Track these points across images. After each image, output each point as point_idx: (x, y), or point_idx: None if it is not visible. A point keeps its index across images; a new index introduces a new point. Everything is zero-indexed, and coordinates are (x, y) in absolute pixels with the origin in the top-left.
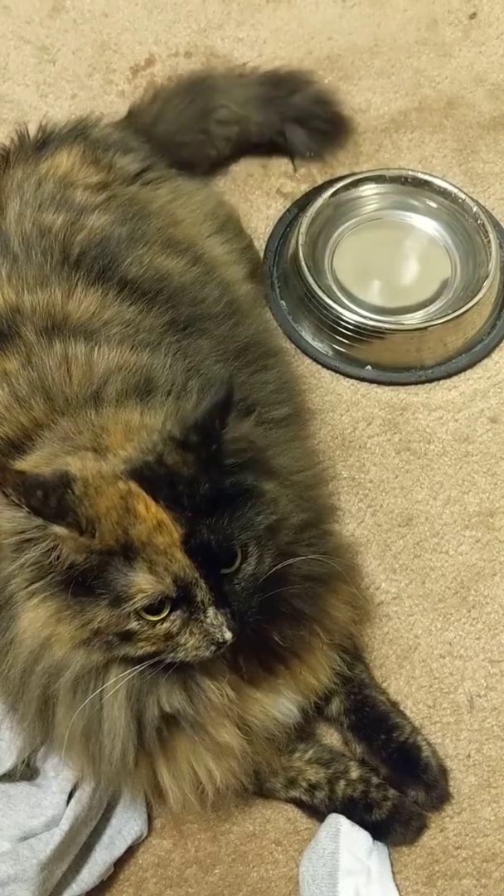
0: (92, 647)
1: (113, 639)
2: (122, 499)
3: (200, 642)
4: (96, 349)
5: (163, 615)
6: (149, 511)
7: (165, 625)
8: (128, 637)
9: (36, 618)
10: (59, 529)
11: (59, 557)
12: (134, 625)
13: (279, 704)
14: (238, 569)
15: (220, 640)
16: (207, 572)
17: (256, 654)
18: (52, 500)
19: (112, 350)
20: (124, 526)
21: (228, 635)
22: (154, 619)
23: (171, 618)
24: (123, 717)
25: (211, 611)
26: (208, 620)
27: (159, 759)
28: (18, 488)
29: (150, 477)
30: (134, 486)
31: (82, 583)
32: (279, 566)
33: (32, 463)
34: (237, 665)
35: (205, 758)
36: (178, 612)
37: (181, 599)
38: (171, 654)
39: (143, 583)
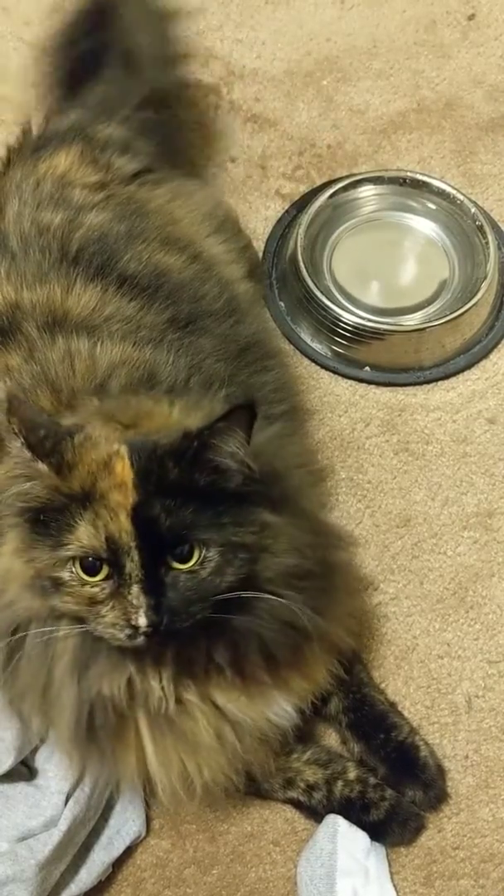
0: (34, 590)
1: (47, 584)
2: (108, 456)
3: (117, 619)
4: (99, 344)
5: (95, 578)
6: (122, 471)
7: (94, 589)
8: (57, 586)
9: (5, 550)
10: (41, 466)
11: (34, 493)
12: (65, 574)
13: (273, 707)
14: (190, 568)
15: (135, 625)
16: (147, 550)
17: (235, 661)
18: (48, 441)
19: (115, 345)
20: (95, 477)
21: (143, 621)
22: (86, 578)
23: (102, 585)
24: (69, 684)
25: (136, 588)
26: (130, 597)
27: (148, 746)
28: (25, 422)
29: (139, 446)
30: (124, 449)
31: (43, 521)
32: (245, 594)
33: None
34: (194, 670)
35: (190, 752)
36: (110, 582)
37: (115, 569)
38: (93, 624)
39: (81, 533)
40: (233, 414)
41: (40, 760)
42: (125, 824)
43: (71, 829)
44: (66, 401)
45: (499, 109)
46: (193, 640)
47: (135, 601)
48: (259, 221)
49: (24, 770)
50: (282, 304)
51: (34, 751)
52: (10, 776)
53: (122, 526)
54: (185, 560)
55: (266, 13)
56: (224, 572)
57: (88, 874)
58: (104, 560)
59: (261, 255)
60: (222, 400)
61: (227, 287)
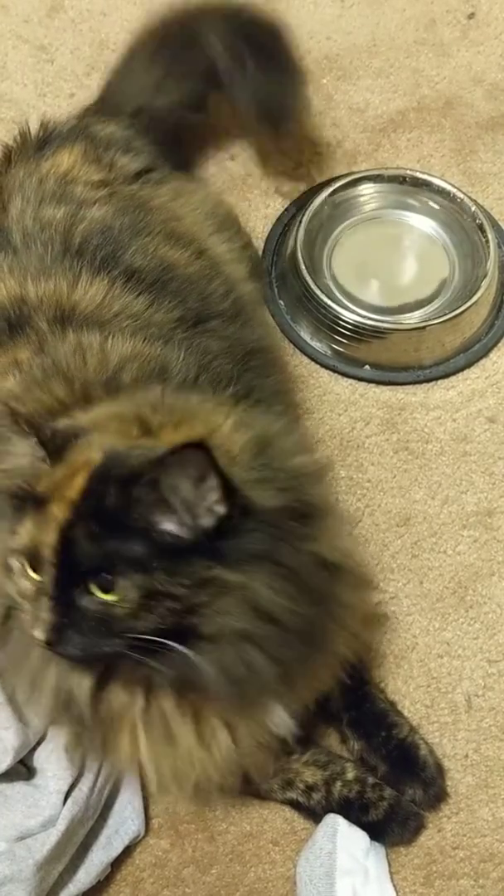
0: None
1: (3, 567)
2: (81, 464)
3: (29, 623)
4: (110, 338)
5: (35, 576)
6: (76, 484)
7: (27, 583)
8: (6, 572)
9: None
10: (36, 450)
11: (13, 478)
12: (14, 562)
13: (271, 715)
14: (105, 600)
15: (31, 633)
16: (64, 570)
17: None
18: (57, 439)
19: (126, 340)
20: (61, 483)
21: (39, 635)
22: (28, 573)
23: (36, 584)
24: (46, 670)
25: (44, 601)
26: (38, 607)
27: (141, 735)
28: (32, 422)
29: (112, 461)
30: (97, 458)
31: (12, 506)
32: (166, 643)
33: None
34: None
35: (179, 752)
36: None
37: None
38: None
39: (24, 531)
40: (185, 451)
41: (39, 760)
42: (124, 824)
43: (69, 829)
44: (80, 393)
45: (499, 108)
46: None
47: (37, 612)
48: (259, 219)
49: (22, 769)
50: (281, 302)
51: (33, 750)
52: (9, 775)
53: (48, 539)
54: (105, 590)
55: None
56: (142, 617)
57: (87, 874)
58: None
59: (260, 253)
60: (228, 409)
61: (233, 287)
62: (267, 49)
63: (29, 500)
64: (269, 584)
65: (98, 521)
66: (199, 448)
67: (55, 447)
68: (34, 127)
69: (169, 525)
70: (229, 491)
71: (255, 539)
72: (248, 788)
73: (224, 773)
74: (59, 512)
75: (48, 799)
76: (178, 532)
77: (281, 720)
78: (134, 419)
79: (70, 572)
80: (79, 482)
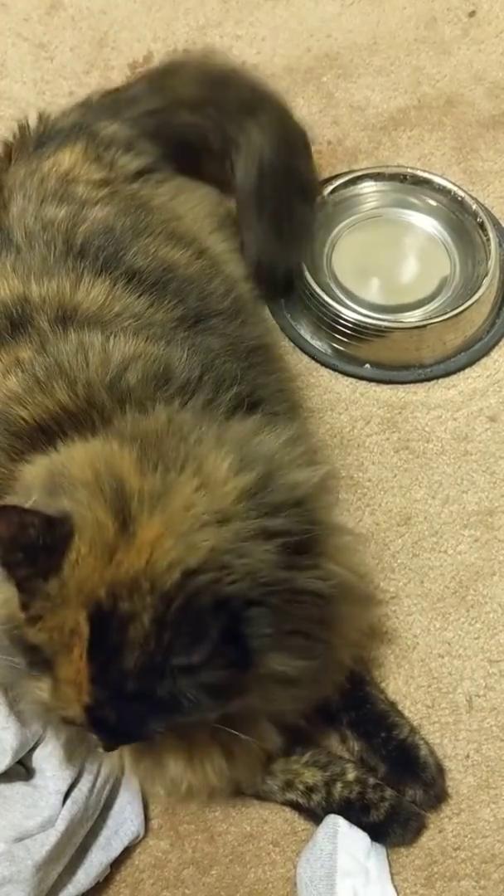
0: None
1: None
2: (70, 631)
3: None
4: (112, 338)
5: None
6: (77, 662)
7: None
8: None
9: None
10: (11, 590)
11: (8, 603)
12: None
13: (264, 734)
14: None
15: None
16: (105, 733)
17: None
18: (23, 569)
19: (128, 340)
20: (56, 649)
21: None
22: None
23: None
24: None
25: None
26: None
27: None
28: (4, 541)
29: (104, 634)
30: (86, 632)
31: (14, 635)
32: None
33: (94, 452)
34: None
35: (166, 766)
36: None
37: None
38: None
39: (44, 688)
40: (186, 613)
41: (38, 760)
42: (123, 824)
43: (69, 830)
44: (83, 394)
45: (500, 106)
46: None
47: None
48: None
49: (21, 770)
50: (281, 301)
51: (32, 750)
52: (8, 776)
53: (77, 715)
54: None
55: (266, 9)
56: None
57: (86, 875)
58: None
59: None
60: (227, 445)
61: (233, 286)
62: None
63: (31, 647)
64: (283, 661)
65: (123, 699)
66: (224, 610)
67: (26, 576)
68: (33, 124)
69: (181, 660)
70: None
71: (261, 624)
72: (248, 789)
73: (215, 788)
74: (76, 693)
75: (47, 799)
76: (192, 662)
77: (271, 736)
78: (111, 500)
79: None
80: (80, 657)
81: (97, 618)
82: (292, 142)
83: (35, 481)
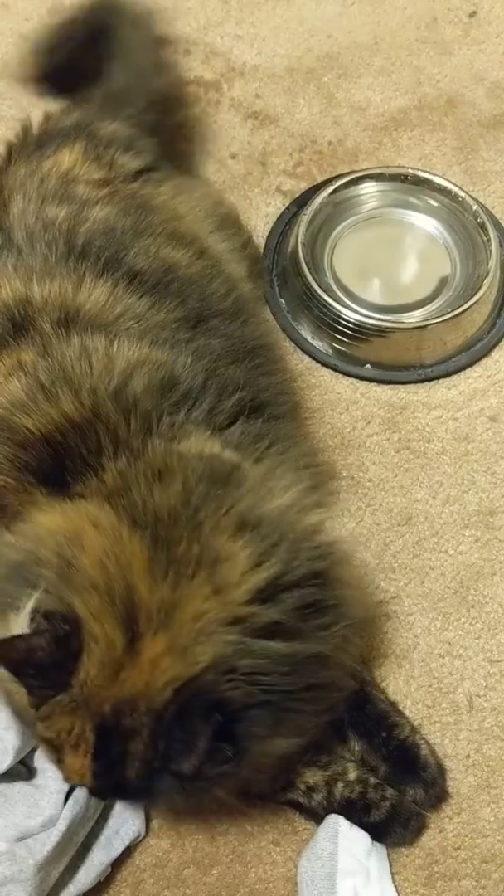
0: None
1: None
2: (77, 736)
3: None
4: (115, 342)
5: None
6: (83, 759)
7: None
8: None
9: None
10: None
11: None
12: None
13: (276, 746)
14: None
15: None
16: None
17: None
18: (34, 684)
19: (132, 344)
20: (62, 746)
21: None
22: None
23: None
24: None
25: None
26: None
27: None
28: (12, 666)
29: (108, 744)
30: (92, 739)
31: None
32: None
33: (109, 527)
34: None
35: None
36: None
37: None
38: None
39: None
40: (186, 719)
41: (40, 760)
42: (124, 824)
43: (70, 829)
44: (87, 403)
45: (500, 107)
46: None
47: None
48: (260, 218)
49: (22, 769)
50: (282, 301)
51: (33, 750)
52: (9, 775)
53: (85, 781)
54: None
55: (267, 9)
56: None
57: (87, 874)
58: None
59: (261, 251)
60: (244, 540)
61: (234, 286)
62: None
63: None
64: (276, 745)
65: (126, 792)
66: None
67: (40, 703)
68: (37, 123)
69: (175, 767)
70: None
71: (259, 724)
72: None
73: (226, 801)
74: (81, 780)
75: (49, 799)
76: (182, 770)
77: (282, 747)
78: (122, 614)
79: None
80: (84, 760)
81: (102, 730)
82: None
83: (45, 549)
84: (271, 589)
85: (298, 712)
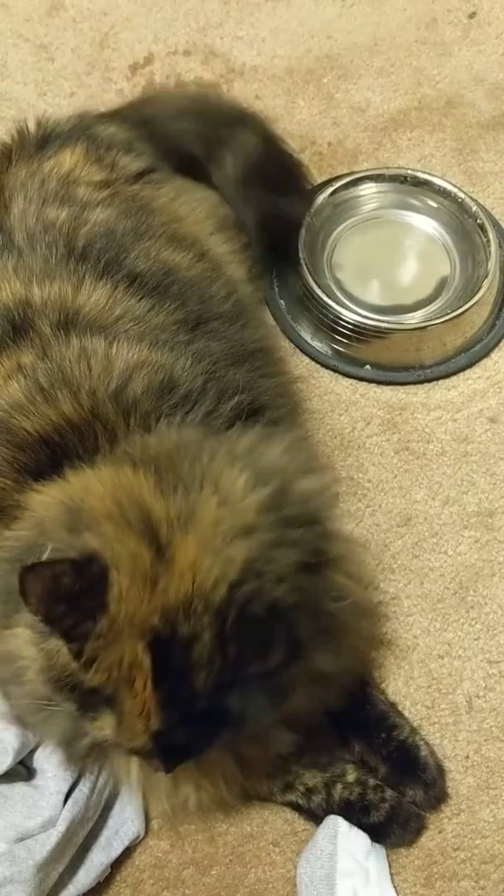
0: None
1: None
2: (130, 664)
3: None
4: (115, 344)
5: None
6: (142, 693)
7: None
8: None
9: (25, 648)
10: (60, 645)
11: (56, 654)
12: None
13: (277, 740)
14: None
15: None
16: (171, 758)
17: None
18: (69, 620)
19: (131, 346)
20: (116, 686)
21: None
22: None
23: None
24: (60, 732)
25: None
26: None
27: (133, 768)
28: (43, 599)
29: (168, 658)
30: (147, 661)
31: (66, 682)
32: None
33: (110, 482)
34: None
35: (184, 782)
36: None
37: None
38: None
39: (108, 729)
40: (250, 626)
41: (39, 760)
42: (124, 825)
43: (69, 830)
44: (86, 404)
45: (500, 107)
46: None
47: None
48: None
49: (22, 770)
50: (282, 302)
51: (33, 751)
52: (9, 776)
53: (143, 744)
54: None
55: (266, 10)
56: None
57: (87, 875)
58: None
59: None
60: (241, 462)
61: (234, 288)
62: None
63: (88, 691)
64: (322, 658)
65: (194, 722)
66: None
67: (72, 626)
68: (32, 125)
69: (257, 668)
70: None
71: (305, 624)
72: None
73: (225, 798)
74: (143, 725)
75: (48, 800)
76: (270, 666)
77: (286, 738)
78: (140, 530)
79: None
80: (144, 688)
81: (156, 646)
82: (276, 142)
83: (48, 515)
84: (274, 510)
85: (329, 625)
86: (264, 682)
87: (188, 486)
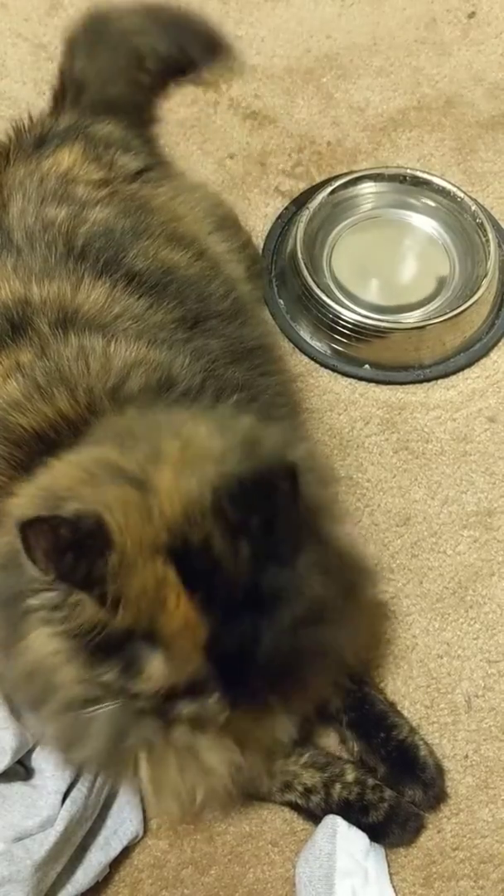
0: (94, 686)
1: (115, 689)
2: (156, 584)
3: (195, 716)
4: (113, 342)
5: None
6: (178, 607)
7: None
8: (130, 696)
9: (45, 645)
10: (82, 596)
11: (78, 615)
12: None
13: (279, 724)
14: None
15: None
16: (228, 672)
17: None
18: (81, 567)
19: (129, 344)
20: (151, 614)
21: (223, 719)
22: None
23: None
24: (104, 736)
25: (215, 699)
26: (209, 708)
27: (143, 763)
28: (49, 553)
29: (191, 564)
30: (171, 574)
31: (98, 644)
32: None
33: (76, 462)
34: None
35: (189, 778)
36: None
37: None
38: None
39: (158, 672)
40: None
41: (37, 760)
42: (122, 824)
43: (68, 829)
44: (83, 401)
45: (499, 107)
46: None
47: (214, 709)
48: (258, 218)
49: (20, 769)
50: (281, 301)
51: (31, 750)
52: (7, 776)
53: (201, 667)
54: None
55: (266, 10)
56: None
57: (85, 875)
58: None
59: (260, 252)
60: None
61: (233, 287)
62: None
63: (124, 640)
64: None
65: (241, 614)
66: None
67: (87, 572)
68: (27, 125)
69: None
70: None
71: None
72: (247, 791)
73: (228, 789)
74: (190, 637)
75: (46, 799)
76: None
77: (285, 726)
78: (116, 478)
79: (231, 671)
80: (178, 596)
81: (176, 556)
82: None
83: (25, 510)
84: (245, 449)
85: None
86: (286, 548)
87: (150, 439)
